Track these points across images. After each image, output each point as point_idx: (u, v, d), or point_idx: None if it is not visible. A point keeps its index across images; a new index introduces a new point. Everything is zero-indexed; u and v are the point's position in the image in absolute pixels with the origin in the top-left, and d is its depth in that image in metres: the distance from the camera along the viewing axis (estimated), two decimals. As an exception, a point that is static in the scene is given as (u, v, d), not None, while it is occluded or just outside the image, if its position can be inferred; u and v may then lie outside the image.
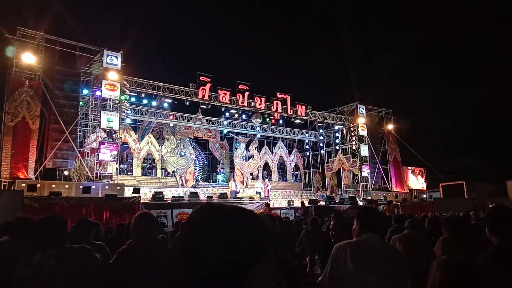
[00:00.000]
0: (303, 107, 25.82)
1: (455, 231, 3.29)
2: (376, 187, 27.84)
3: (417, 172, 30.35)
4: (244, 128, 26.84)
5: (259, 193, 23.39)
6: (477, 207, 19.56)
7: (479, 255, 2.34)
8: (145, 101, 22.58)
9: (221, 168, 27.26)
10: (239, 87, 23.15)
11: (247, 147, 27.96)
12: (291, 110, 25.20)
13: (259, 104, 23.90)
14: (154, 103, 23.11)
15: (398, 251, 3.19)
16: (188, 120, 24.44)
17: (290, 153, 30.11)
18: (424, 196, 29.40)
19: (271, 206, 21.87)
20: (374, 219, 2.83)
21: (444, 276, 1.58)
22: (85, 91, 19.63)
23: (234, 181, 23.70)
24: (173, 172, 23.76)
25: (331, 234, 3.70)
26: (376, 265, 2.62)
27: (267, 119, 26.45)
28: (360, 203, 23.01)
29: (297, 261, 4.75)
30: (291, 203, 21.57)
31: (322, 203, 21.82)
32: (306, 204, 21.35)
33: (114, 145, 18.51)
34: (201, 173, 27.26)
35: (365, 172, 27.49)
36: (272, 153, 28.98)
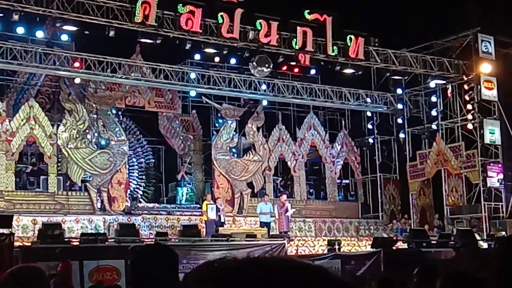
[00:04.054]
0: (361, 40, 25.66)
1: None
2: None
3: None
4: (235, 86, 26.74)
5: (266, 224, 23.43)
6: None
7: None
8: (20, 30, 22.43)
9: (185, 172, 27.24)
10: (223, -2, 23.07)
11: (240, 128, 28.02)
12: (336, 48, 25.10)
13: (266, 36, 23.76)
14: (40, 35, 22.98)
15: None
16: (114, 71, 24.37)
17: (333, 139, 30.10)
18: None
19: (292, 253, 21.87)
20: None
21: None
22: None
23: (215, 200, 23.66)
24: (82, 181, 23.83)
25: None
26: None
27: (283, 68, 26.24)
28: (484, 244, 22.93)
29: None
30: (336, 246, 21.63)
31: (402, 244, 21.79)
32: (368, 248, 21.33)
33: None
34: (143, 184, 27.23)
35: (495, 179, 27.40)
36: (294, 140, 28.97)
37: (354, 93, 29.40)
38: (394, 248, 20.80)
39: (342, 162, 30.12)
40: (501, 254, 3.16)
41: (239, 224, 25.22)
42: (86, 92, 24.55)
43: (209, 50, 23.84)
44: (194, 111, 28.27)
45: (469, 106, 28.23)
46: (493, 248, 21.31)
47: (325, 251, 21.49)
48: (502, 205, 27.53)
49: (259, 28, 23.57)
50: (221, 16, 22.78)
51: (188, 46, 23.19)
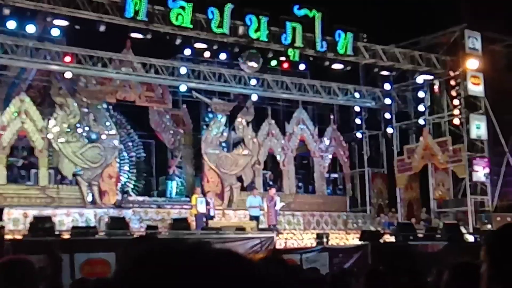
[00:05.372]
0: (349, 36, 25.65)
1: None
2: (504, 204, 27.84)
3: None
4: (225, 81, 26.72)
5: (255, 218, 23.46)
6: None
7: None
8: (11, 25, 22.30)
9: (176, 166, 27.23)
10: (213, -7, 23.00)
11: (230, 123, 28.01)
12: (324, 44, 25.12)
13: (256, 31, 23.77)
14: (31, 29, 22.85)
15: None
16: (105, 66, 24.30)
17: (321, 134, 30.16)
18: None
19: (281, 246, 21.88)
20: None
21: None
22: None
23: (204, 194, 23.67)
24: (73, 175, 23.81)
25: None
26: None
27: (273, 63, 26.32)
28: (470, 238, 23.02)
29: None
30: (324, 239, 21.72)
31: (389, 238, 21.88)
32: (356, 241, 21.34)
33: None
34: (134, 178, 27.25)
35: (481, 173, 27.50)
36: (283, 134, 29.00)
37: (343, 88, 29.44)
38: (381, 241, 20.86)
39: (330, 156, 30.19)
40: (488, 247, 3.15)
41: (229, 217, 25.23)
42: (77, 87, 24.47)
43: (199, 45, 23.79)
44: (184, 106, 28.23)
45: (456, 102, 28.30)
46: (479, 241, 21.42)
47: (314, 244, 21.50)
48: (488, 199, 27.73)
49: (249, 23, 23.56)
50: (211, 11, 22.74)
51: (178, 41, 23.15)
